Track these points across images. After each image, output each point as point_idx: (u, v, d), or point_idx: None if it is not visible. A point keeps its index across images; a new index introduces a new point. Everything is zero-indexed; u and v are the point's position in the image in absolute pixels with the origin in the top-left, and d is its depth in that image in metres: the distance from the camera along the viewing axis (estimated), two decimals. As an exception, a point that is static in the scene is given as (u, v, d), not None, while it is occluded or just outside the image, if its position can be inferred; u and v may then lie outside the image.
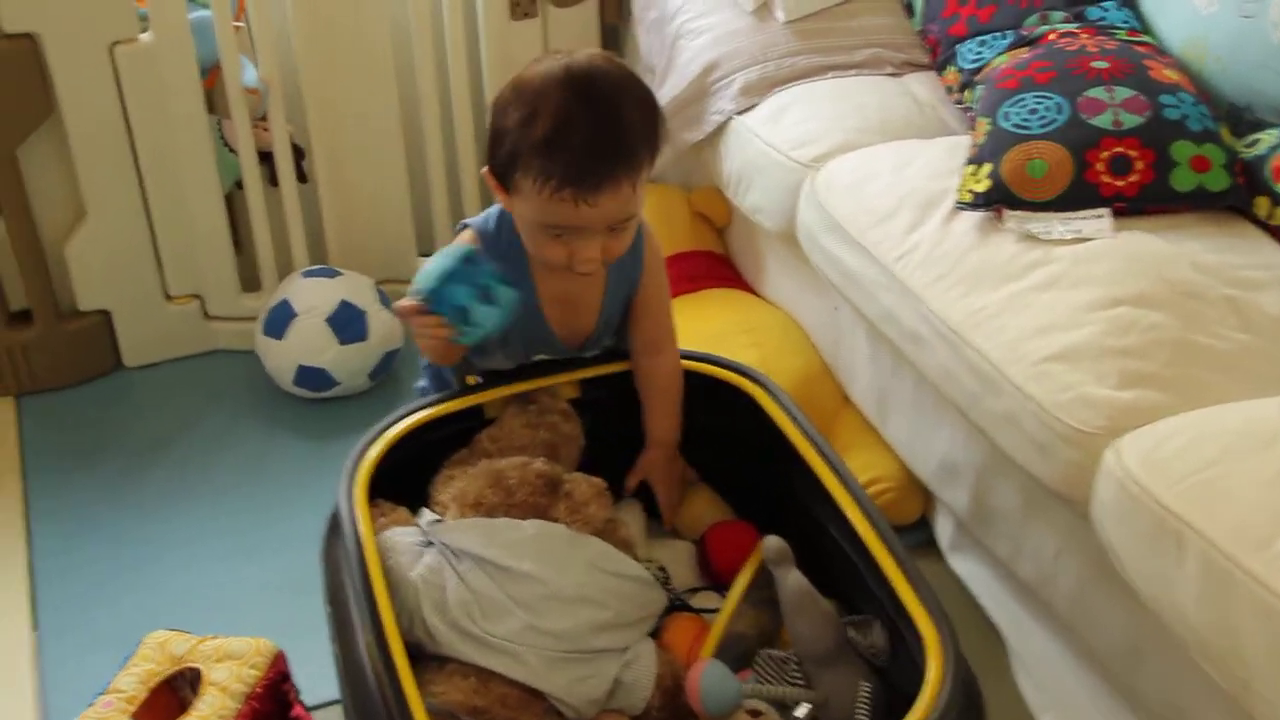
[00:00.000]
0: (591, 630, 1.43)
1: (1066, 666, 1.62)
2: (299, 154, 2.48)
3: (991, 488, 1.69)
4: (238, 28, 2.33)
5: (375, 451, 1.53)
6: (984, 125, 1.81)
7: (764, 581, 1.52)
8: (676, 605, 1.59)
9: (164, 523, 2.11)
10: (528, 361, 1.63)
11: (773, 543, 1.48)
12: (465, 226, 1.56)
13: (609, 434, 1.65)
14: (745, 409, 1.61)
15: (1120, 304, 1.54)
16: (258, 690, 1.51)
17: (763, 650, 1.46)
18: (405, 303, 1.43)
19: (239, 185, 2.44)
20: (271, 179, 2.46)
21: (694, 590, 1.63)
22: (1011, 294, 1.61)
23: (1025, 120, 1.76)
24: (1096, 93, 1.75)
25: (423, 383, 1.74)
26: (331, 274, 2.36)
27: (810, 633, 1.43)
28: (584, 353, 1.65)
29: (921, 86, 2.13)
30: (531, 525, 1.46)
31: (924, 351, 1.69)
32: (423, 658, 1.41)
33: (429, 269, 1.43)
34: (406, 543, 1.47)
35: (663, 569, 1.65)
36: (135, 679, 1.54)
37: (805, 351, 2.12)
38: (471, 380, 1.62)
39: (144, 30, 2.24)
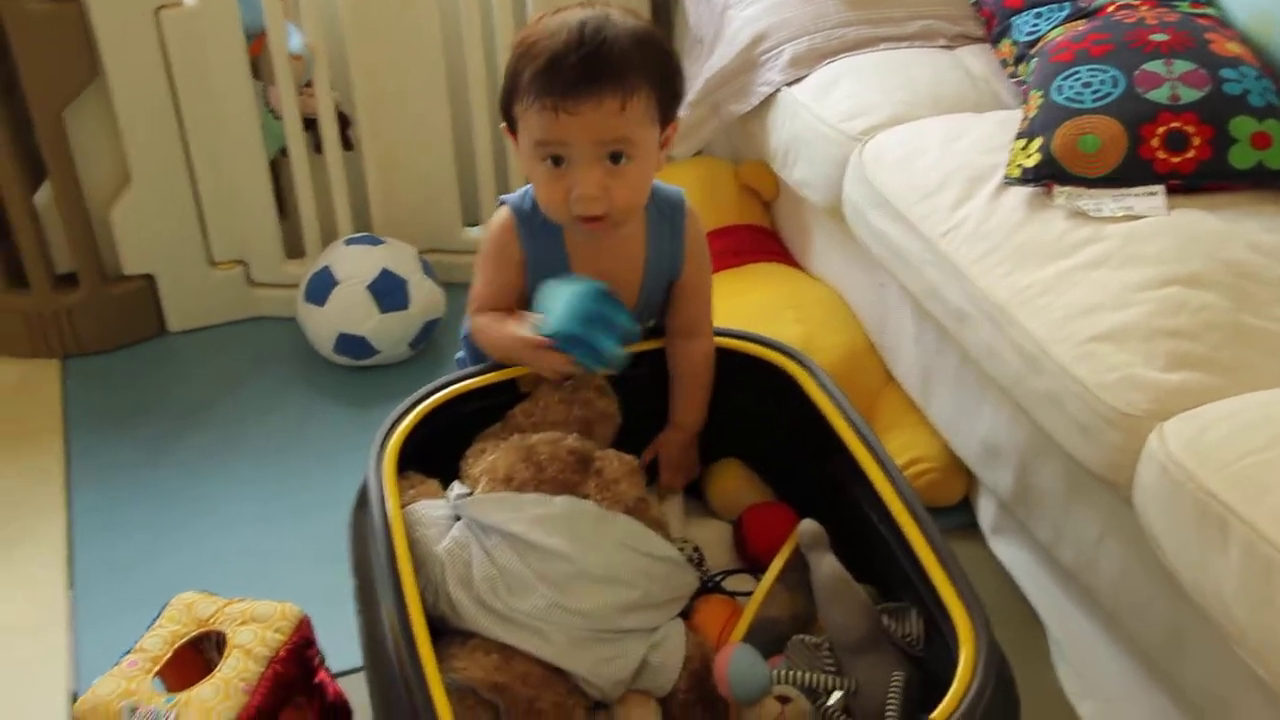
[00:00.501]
0: (619, 610, 1.40)
1: (1106, 654, 1.58)
2: (344, 122, 2.47)
3: (1034, 469, 1.65)
4: (284, -7, 2.32)
5: (406, 424, 1.52)
6: (1036, 98, 1.76)
7: (799, 565, 1.48)
8: (709, 587, 1.57)
9: (202, 486, 2.12)
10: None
11: (808, 527, 1.45)
12: (503, 203, 1.53)
13: (646, 411, 1.63)
14: (786, 389, 1.57)
15: (1171, 284, 1.49)
16: (281, 654, 1.51)
17: (795, 636, 1.43)
18: (537, 338, 1.43)
19: (284, 152, 2.43)
20: (316, 147, 2.45)
21: (728, 572, 1.60)
22: (1059, 272, 1.57)
23: (1079, 94, 1.71)
24: (1154, 66, 1.69)
25: (461, 354, 1.72)
26: (374, 242, 2.35)
27: (844, 620, 1.40)
28: None
29: (975, 60, 2.08)
30: (561, 501, 1.44)
31: (968, 329, 1.65)
32: (447, 632, 1.40)
33: (562, 308, 1.40)
34: (434, 516, 1.45)
35: (697, 550, 1.62)
36: (160, 639, 1.53)
37: (850, 328, 2.08)
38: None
39: (190, -5, 2.24)
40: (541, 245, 1.49)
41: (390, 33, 2.36)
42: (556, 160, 1.38)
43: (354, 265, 2.28)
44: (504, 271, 1.53)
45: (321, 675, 1.58)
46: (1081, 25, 1.85)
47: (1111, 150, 1.65)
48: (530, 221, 1.50)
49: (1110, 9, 1.88)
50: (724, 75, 2.20)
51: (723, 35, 2.25)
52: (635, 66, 1.34)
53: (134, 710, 1.44)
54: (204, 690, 1.45)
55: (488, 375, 1.58)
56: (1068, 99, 1.71)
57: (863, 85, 2.02)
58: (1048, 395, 1.50)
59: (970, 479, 1.92)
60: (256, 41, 2.33)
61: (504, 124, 1.45)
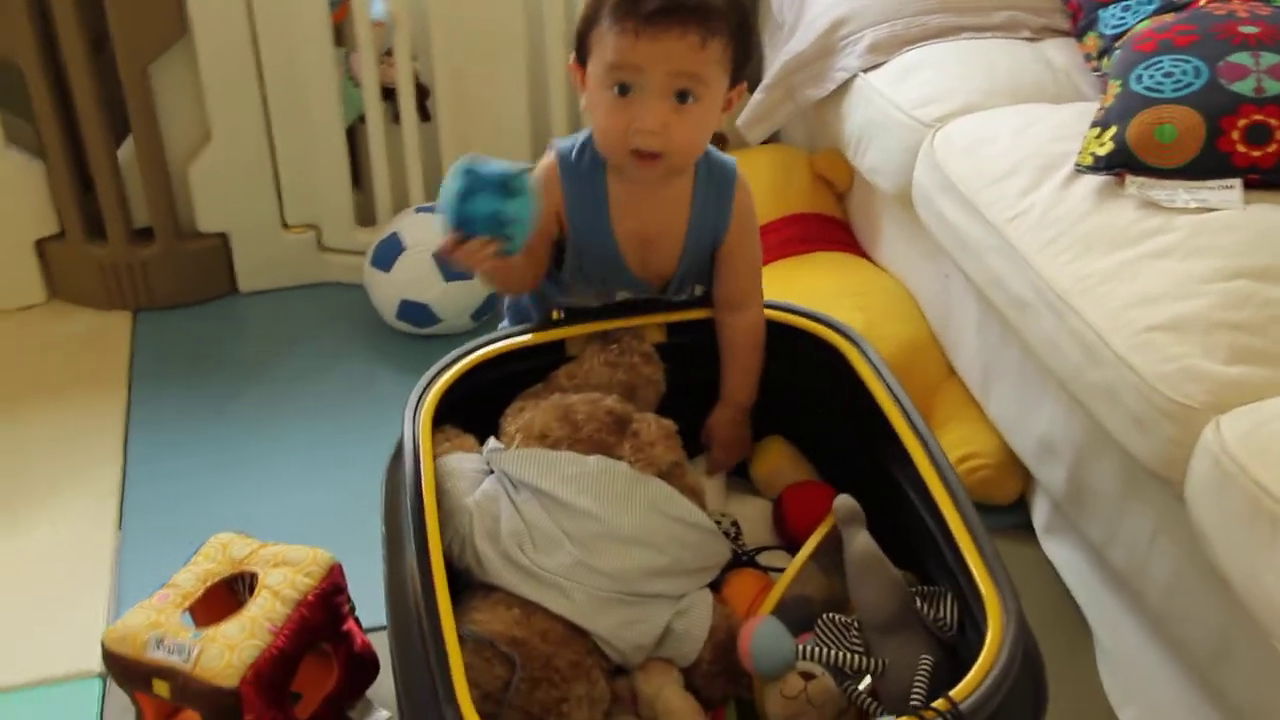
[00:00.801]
0: (645, 574, 1.38)
1: (1152, 661, 1.52)
2: (423, 93, 2.47)
3: (1089, 467, 1.60)
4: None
5: (447, 378, 1.51)
6: (1114, 87, 1.71)
7: (836, 545, 1.45)
8: (742, 560, 1.54)
9: (255, 439, 2.14)
10: (611, 301, 1.59)
11: (843, 501, 1.41)
12: (553, 147, 1.52)
13: (694, 382, 1.60)
14: (834, 366, 1.54)
15: (1239, 276, 1.44)
16: (309, 598, 1.51)
17: (825, 614, 1.40)
18: (441, 243, 1.37)
19: (361, 119, 2.45)
20: (394, 117, 2.46)
21: (763, 548, 1.57)
22: (1123, 261, 1.52)
23: (1158, 83, 1.65)
24: (1240, 58, 1.64)
25: (504, 323, 1.71)
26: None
27: (874, 598, 1.37)
28: (669, 295, 1.59)
29: (1059, 52, 2.03)
30: (594, 461, 1.42)
31: (1029, 319, 1.60)
32: (471, 585, 1.39)
33: (443, 200, 1.35)
34: (466, 468, 1.44)
35: (735, 524, 1.60)
36: (194, 576, 1.55)
37: (913, 319, 2.04)
38: (556, 316, 1.59)
39: (277, -44, 2.26)
40: (583, 191, 1.48)
41: (472, 3, 2.36)
42: (624, 90, 1.36)
43: (422, 232, 2.29)
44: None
45: (350, 625, 1.58)
46: (1169, 17, 1.80)
47: (1189, 141, 1.60)
48: (575, 167, 1.49)
49: (1202, 2, 1.82)
50: (801, 59, 2.17)
51: (803, 19, 2.23)
52: (721, 10, 1.34)
53: (160, 641, 1.45)
54: (229, 627, 1.45)
55: (532, 335, 1.57)
56: (1147, 88, 1.66)
57: (940, 73, 1.99)
58: (1105, 388, 1.45)
59: (1026, 479, 1.87)
60: (341, 8, 2.35)
61: (573, 58, 1.43)
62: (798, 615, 1.41)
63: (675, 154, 1.39)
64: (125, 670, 1.46)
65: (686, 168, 1.46)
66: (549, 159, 1.50)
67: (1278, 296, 1.41)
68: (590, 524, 1.38)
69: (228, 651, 1.43)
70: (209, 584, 1.54)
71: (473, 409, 1.53)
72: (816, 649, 1.34)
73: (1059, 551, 1.75)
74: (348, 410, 2.20)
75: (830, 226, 2.29)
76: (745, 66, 1.40)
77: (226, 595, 1.56)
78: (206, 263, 2.48)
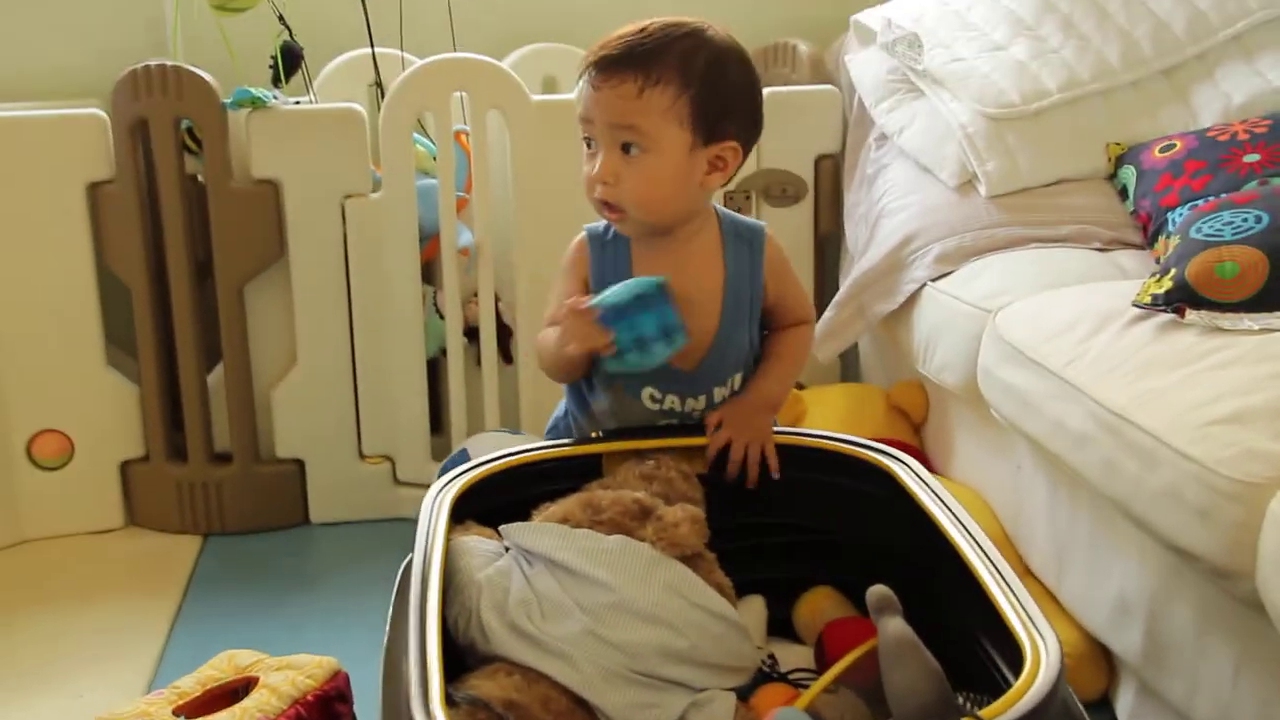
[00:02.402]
0: (661, 655, 1.26)
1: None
2: (505, 333, 2.53)
3: (1165, 617, 1.46)
4: (463, 200, 2.46)
5: (475, 474, 1.48)
6: (1173, 243, 1.68)
7: (874, 678, 1.32)
8: (773, 676, 1.41)
9: (300, 642, 2.03)
10: (650, 423, 1.54)
11: (877, 589, 1.29)
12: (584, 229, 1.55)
13: (730, 524, 1.51)
14: (889, 505, 1.46)
15: (1308, 377, 1.35)
16: (309, 698, 1.42)
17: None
18: (584, 307, 1.38)
19: (443, 351, 2.50)
20: (477, 358, 2.51)
21: (799, 670, 1.43)
22: (1184, 376, 1.44)
23: (1218, 230, 1.62)
24: (1305, 208, 1.61)
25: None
26: (514, 432, 2.35)
27: (908, 683, 1.21)
28: (700, 379, 1.51)
29: (1131, 260, 2.00)
30: (614, 539, 1.34)
31: (1088, 451, 1.51)
32: (474, 661, 1.29)
33: (621, 287, 1.38)
34: (481, 548, 1.37)
35: (772, 655, 1.47)
36: (194, 680, 1.48)
37: (986, 522, 1.93)
38: (595, 435, 1.55)
39: (375, 190, 2.40)
40: (608, 259, 1.50)
41: (557, 240, 2.44)
42: (589, 143, 1.43)
43: (490, 447, 2.27)
44: (571, 288, 1.51)
45: (350, 742, 1.47)
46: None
47: (1251, 276, 1.54)
48: (600, 239, 1.51)
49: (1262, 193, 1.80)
50: (871, 275, 2.19)
51: (874, 240, 2.26)
52: (671, 60, 1.37)
53: (142, 728, 1.36)
54: (219, 716, 1.36)
55: (567, 449, 1.53)
56: (1206, 235, 1.62)
57: (1007, 271, 1.98)
58: (1165, 490, 1.34)
59: (1110, 677, 1.70)
60: (431, 244, 2.46)
61: None
62: (829, 733, 1.27)
63: (629, 205, 1.42)
64: (103, 756, 1.37)
65: (656, 221, 1.45)
66: (580, 236, 1.52)
67: (1347, 390, 1.32)
68: (603, 594, 1.28)
69: (210, 735, 1.33)
70: (208, 687, 1.46)
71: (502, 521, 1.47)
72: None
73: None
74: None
75: (904, 450, 2.22)
76: (727, 124, 1.41)
77: (226, 702, 1.47)
78: (280, 489, 2.48)
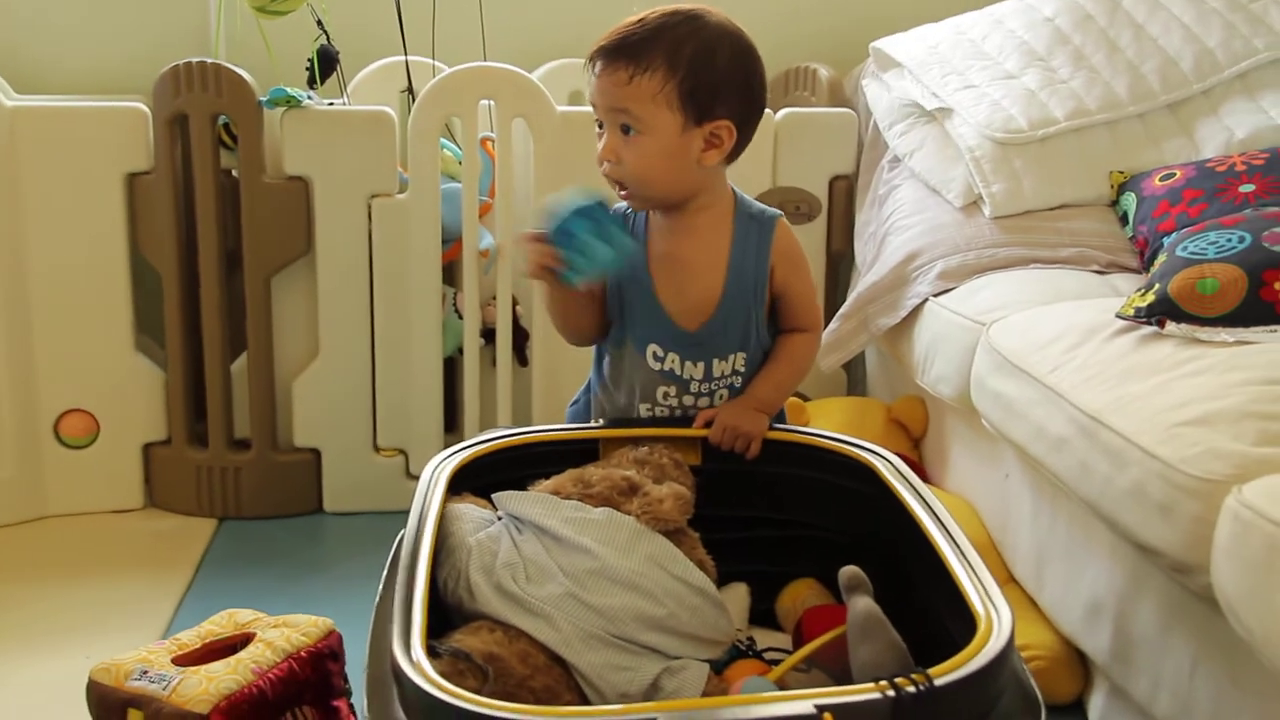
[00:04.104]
0: (639, 620, 1.32)
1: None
2: (521, 335, 2.60)
3: (1132, 615, 1.51)
4: (487, 204, 2.54)
5: (470, 453, 1.54)
6: (1158, 262, 1.73)
7: (844, 658, 1.37)
8: (747, 653, 1.46)
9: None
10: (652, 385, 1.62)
11: (848, 569, 1.35)
12: None
13: (723, 515, 1.57)
14: (869, 501, 1.52)
15: (1275, 384, 1.40)
16: (302, 654, 1.48)
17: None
18: (530, 231, 1.50)
19: (461, 351, 2.57)
20: (493, 360, 2.57)
21: (774, 648, 1.49)
22: (1159, 382, 1.49)
23: (1202, 249, 1.68)
24: (1286, 230, 1.66)
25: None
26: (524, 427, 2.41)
27: (872, 658, 1.27)
28: (701, 343, 1.59)
29: (1126, 283, 2.05)
30: (600, 510, 1.40)
31: (1065, 454, 1.56)
32: (460, 620, 1.35)
33: (560, 203, 1.48)
34: (475, 514, 1.43)
35: (751, 638, 1.53)
36: (195, 634, 1.53)
37: (974, 531, 1.98)
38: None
39: (401, 191, 2.48)
40: (627, 222, 1.62)
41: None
42: (601, 126, 1.53)
43: (499, 443, 2.33)
44: None
45: (341, 703, 1.52)
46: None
47: (1231, 292, 1.59)
48: (624, 215, 1.61)
49: (1249, 213, 1.86)
50: (876, 289, 2.25)
51: (880, 256, 2.32)
52: (659, 49, 1.48)
53: (144, 673, 1.43)
54: (214, 664, 1.43)
55: (567, 432, 1.60)
56: (1190, 253, 1.68)
57: (1005, 288, 2.03)
58: (1131, 489, 1.39)
59: (1084, 680, 1.74)
60: (454, 246, 2.53)
61: None
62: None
63: (631, 181, 1.53)
64: (102, 699, 1.44)
65: (656, 195, 1.55)
66: None
67: (1314, 397, 1.37)
68: (586, 560, 1.34)
69: (206, 681, 1.40)
70: (207, 641, 1.53)
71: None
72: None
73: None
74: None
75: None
76: (716, 105, 1.49)
77: (224, 655, 1.53)
78: (296, 477, 2.55)
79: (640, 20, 1.49)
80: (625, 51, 1.48)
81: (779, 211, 1.61)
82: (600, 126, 1.54)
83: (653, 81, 1.47)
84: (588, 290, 1.56)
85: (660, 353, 1.59)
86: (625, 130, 1.50)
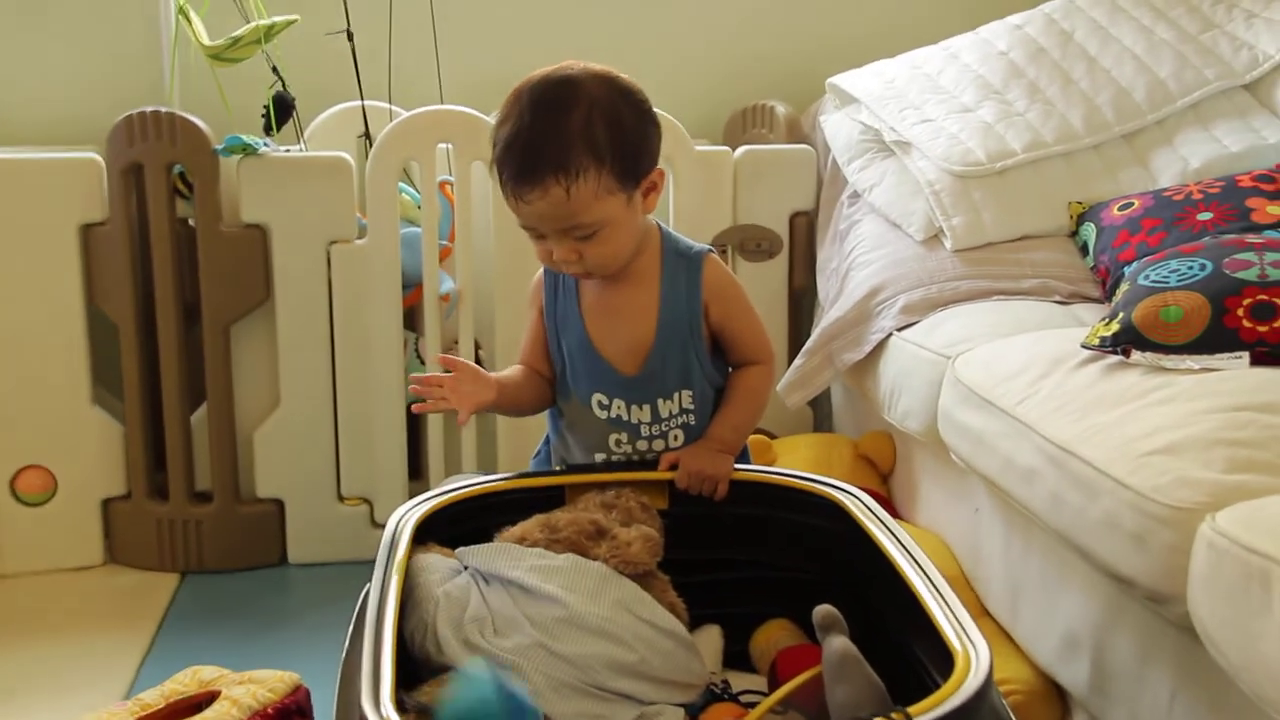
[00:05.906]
0: (610, 668, 1.31)
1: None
2: (486, 379, 2.58)
3: (1109, 647, 1.50)
4: (447, 249, 2.52)
5: (440, 500, 1.52)
6: (1121, 291, 1.74)
7: (820, 699, 1.36)
8: (723, 696, 1.44)
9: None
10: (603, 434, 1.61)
11: (823, 608, 1.34)
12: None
13: (693, 557, 1.55)
14: (838, 541, 1.51)
15: (1243, 410, 1.40)
16: (268, 711, 1.45)
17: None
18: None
19: (424, 396, 2.55)
20: (458, 403, 2.56)
21: (750, 691, 1.47)
22: (1127, 412, 1.49)
23: (1164, 278, 1.68)
24: (1246, 255, 1.66)
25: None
26: (489, 473, 2.38)
27: (849, 698, 1.26)
28: (642, 386, 1.57)
29: (1089, 313, 2.06)
30: (565, 557, 1.39)
31: (1035, 486, 1.56)
32: (428, 674, 1.32)
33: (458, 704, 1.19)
34: (442, 565, 1.41)
35: (726, 681, 1.51)
36: (158, 693, 1.51)
37: (945, 564, 1.97)
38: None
39: (360, 237, 2.46)
40: (559, 283, 1.60)
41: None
42: (537, 236, 1.49)
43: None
44: (535, 321, 1.63)
45: (309, 757, 1.50)
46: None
47: (1194, 319, 1.60)
48: (555, 275, 1.60)
49: (1208, 240, 1.87)
50: (840, 325, 2.25)
51: (843, 292, 2.32)
52: (575, 147, 1.41)
53: (105, 735, 1.39)
54: (178, 725, 1.39)
55: (530, 479, 1.58)
56: (1153, 282, 1.68)
57: (969, 321, 2.03)
58: (1104, 519, 1.39)
59: (1062, 712, 1.73)
60: (413, 292, 2.52)
61: None
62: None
63: (595, 269, 1.50)
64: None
65: (624, 263, 1.54)
66: (539, 273, 1.63)
67: (1279, 421, 1.37)
68: (554, 608, 1.33)
69: (170, 741, 1.36)
70: (171, 700, 1.50)
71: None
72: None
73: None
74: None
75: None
76: (640, 164, 1.47)
77: (189, 714, 1.50)
78: (259, 528, 2.52)
79: (528, 122, 1.41)
80: (546, 167, 1.40)
81: (707, 247, 1.59)
82: (539, 236, 1.49)
83: (588, 183, 1.41)
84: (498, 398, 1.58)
85: (605, 400, 1.58)
86: (579, 237, 1.46)
